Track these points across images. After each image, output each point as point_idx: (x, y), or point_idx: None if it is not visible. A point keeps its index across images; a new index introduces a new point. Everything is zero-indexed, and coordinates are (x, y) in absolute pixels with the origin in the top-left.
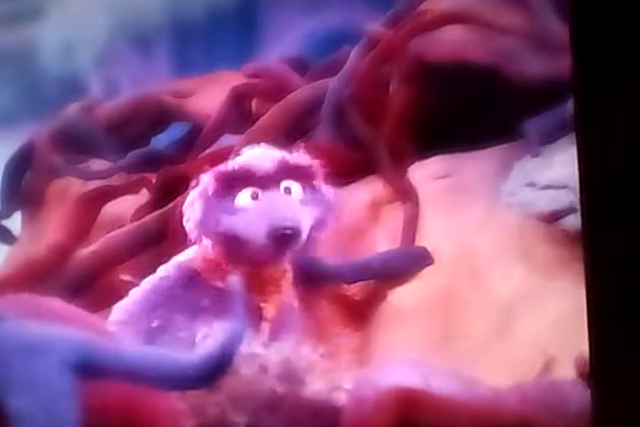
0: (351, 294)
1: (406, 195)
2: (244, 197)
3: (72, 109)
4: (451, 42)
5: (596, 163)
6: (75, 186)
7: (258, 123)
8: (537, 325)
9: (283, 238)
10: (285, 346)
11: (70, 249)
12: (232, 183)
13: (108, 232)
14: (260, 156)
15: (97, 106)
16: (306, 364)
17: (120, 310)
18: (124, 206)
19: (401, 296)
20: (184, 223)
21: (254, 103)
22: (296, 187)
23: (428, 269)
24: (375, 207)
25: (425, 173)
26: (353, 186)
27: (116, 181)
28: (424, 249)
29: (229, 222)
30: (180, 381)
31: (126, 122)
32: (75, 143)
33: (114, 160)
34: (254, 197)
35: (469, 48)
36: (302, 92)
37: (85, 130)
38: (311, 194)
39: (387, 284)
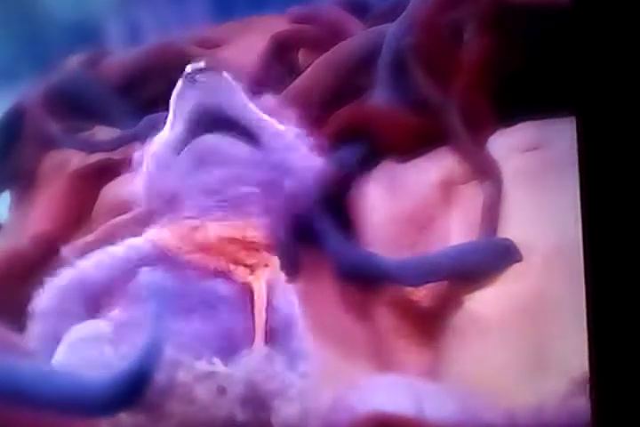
0: (417, 299)
1: (486, 172)
2: None
3: (73, 63)
4: None
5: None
6: (75, 160)
7: (297, 81)
8: None
9: None
10: (252, 361)
11: (60, 240)
12: None
13: (111, 218)
14: None
15: (105, 58)
16: (276, 385)
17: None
18: (131, 186)
19: (480, 302)
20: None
21: (301, 55)
22: None
23: (515, 267)
24: (446, 188)
25: (508, 145)
26: (418, 161)
27: (126, 153)
28: (509, 242)
29: None
30: (88, 406)
31: (141, 79)
32: (75, 106)
33: (125, 127)
34: None
35: None
36: (354, 40)
37: (89, 89)
38: None
39: (462, 286)
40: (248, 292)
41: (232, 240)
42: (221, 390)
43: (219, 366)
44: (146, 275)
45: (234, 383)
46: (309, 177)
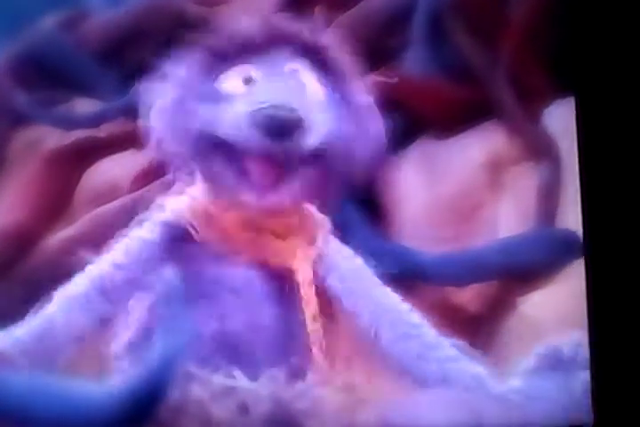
0: (463, 301)
1: (541, 151)
2: (232, 81)
3: (48, 24)
4: None
5: None
6: (50, 139)
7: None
8: None
9: (272, 125)
10: (279, 375)
11: (36, 233)
12: (219, 60)
13: (95, 208)
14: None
15: (85, 19)
16: (308, 402)
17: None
18: (119, 169)
19: (537, 305)
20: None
21: (319, 12)
22: (308, 74)
23: (579, 263)
24: (495, 170)
25: (567, 118)
26: (461, 137)
27: (110, 130)
28: (570, 233)
29: (208, 115)
30: (90, 425)
31: (128, 43)
32: (50, 74)
33: (109, 99)
34: (247, 80)
35: None
36: None
37: (66, 54)
38: (334, 91)
39: (515, 287)
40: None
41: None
42: (243, 409)
43: (240, 379)
44: (168, 272)
45: (258, 400)
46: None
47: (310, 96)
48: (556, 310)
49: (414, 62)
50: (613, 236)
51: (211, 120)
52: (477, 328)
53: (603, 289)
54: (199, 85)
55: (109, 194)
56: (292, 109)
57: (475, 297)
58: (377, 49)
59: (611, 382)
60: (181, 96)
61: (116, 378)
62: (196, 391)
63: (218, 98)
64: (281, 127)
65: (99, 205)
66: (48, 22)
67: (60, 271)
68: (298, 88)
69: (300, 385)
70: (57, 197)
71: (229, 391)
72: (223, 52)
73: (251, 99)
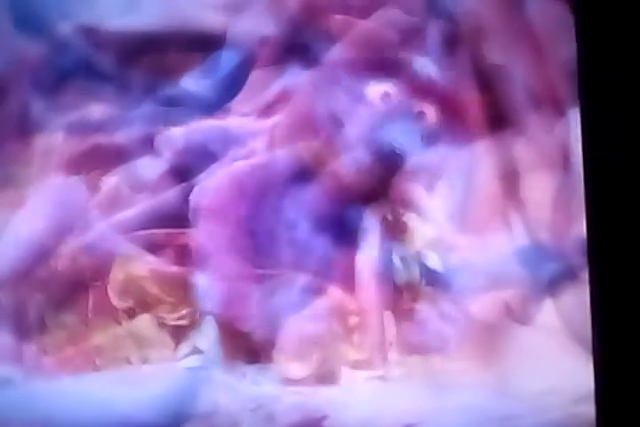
0: (477, 310)
1: (556, 160)
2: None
3: (64, 31)
4: None
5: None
6: (65, 145)
7: (331, 53)
8: None
9: None
10: (304, 380)
11: (53, 240)
12: None
13: (112, 215)
14: None
15: (102, 26)
16: (332, 409)
17: None
18: (136, 176)
19: (553, 315)
20: None
21: (334, 21)
22: None
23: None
24: (512, 179)
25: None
26: (477, 146)
27: (125, 136)
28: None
29: None
30: None
31: (145, 50)
32: (66, 80)
33: (125, 107)
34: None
35: None
36: (400, 5)
37: (83, 62)
38: None
39: (529, 296)
40: None
41: None
42: (269, 418)
43: (264, 386)
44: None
45: (284, 409)
46: None
47: None
48: (572, 321)
49: (430, 70)
50: (618, 244)
51: None
52: (491, 336)
53: (608, 297)
54: None
55: (127, 201)
56: None
57: (491, 306)
58: (393, 57)
59: (613, 384)
60: None
61: (150, 387)
62: (224, 400)
63: None
64: None
65: (117, 213)
66: (65, 29)
67: (77, 279)
68: None
69: (325, 392)
70: (74, 204)
71: (256, 400)
72: None
73: None
